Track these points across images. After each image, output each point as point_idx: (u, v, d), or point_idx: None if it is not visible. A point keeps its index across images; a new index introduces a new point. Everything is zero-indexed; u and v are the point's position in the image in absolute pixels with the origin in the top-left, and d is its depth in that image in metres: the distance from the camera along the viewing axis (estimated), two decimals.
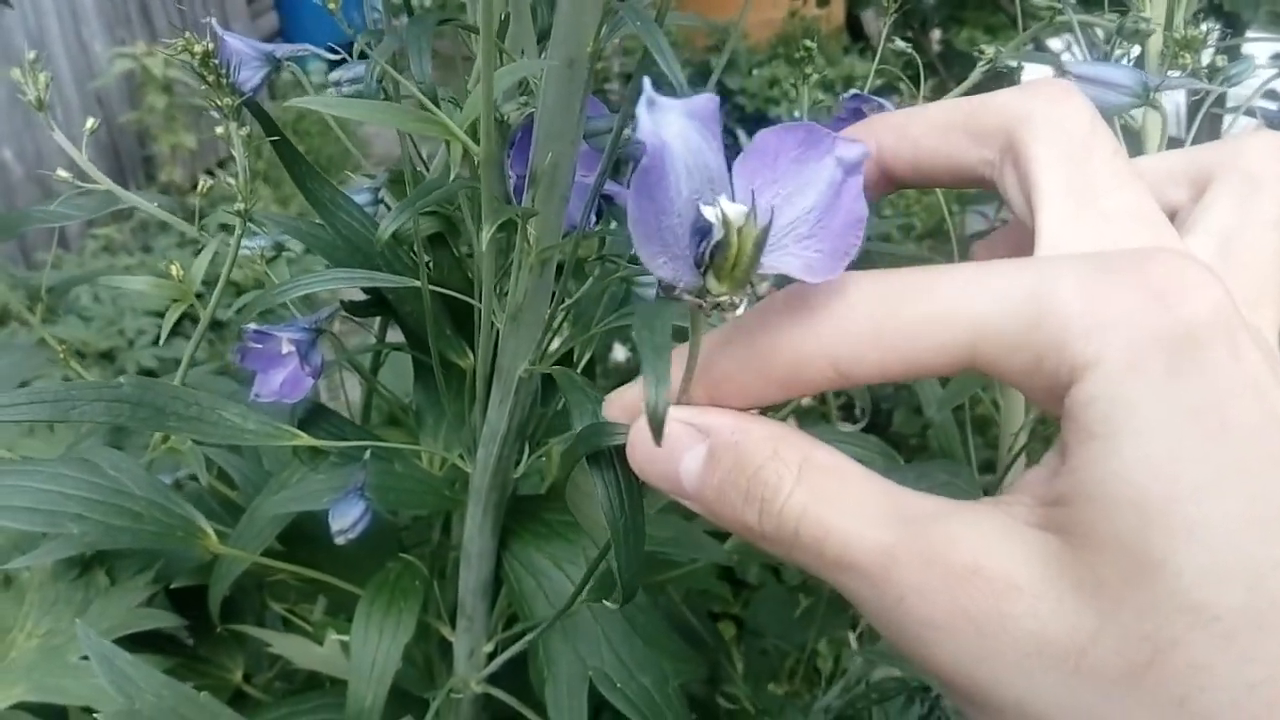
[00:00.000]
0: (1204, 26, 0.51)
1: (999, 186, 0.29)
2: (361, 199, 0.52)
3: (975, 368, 0.24)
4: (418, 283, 0.46)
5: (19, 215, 0.62)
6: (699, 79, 3.20)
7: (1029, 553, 0.22)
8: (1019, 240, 0.29)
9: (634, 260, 0.47)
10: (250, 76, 0.50)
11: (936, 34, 1.93)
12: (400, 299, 0.54)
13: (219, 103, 0.43)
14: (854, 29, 3.74)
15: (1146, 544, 0.20)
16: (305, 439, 0.50)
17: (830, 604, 0.87)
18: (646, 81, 0.23)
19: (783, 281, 0.24)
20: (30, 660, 0.56)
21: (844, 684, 0.64)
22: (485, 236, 0.36)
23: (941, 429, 0.60)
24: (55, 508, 0.49)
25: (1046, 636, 0.21)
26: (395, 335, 0.63)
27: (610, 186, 0.45)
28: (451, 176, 0.38)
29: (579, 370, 0.58)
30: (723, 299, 0.24)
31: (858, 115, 0.52)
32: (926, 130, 0.30)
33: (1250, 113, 0.50)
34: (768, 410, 0.28)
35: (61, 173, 0.49)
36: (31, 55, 0.48)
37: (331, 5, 0.39)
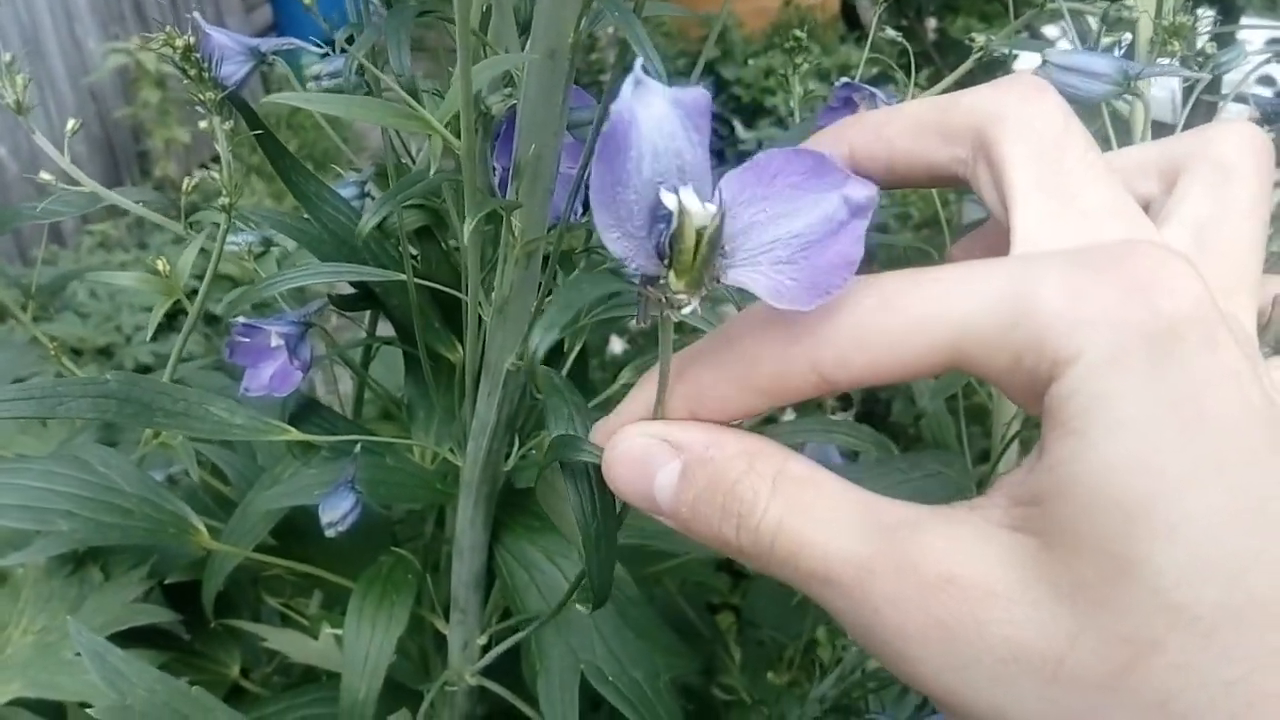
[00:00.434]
0: (1197, 13, 0.50)
1: (973, 185, 0.29)
2: (348, 193, 0.52)
3: (959, 368, 0.24)
4: (404, 276, 0.46)
5: (10, 211, 0.62)
6: (693, 69, 3.19)
7: (1004, 557, 0.22)
8: (995, 239, 0.29)
9: None
10: (234, 71, 0.50)
11: (931, 22, 1.93)
12: (388, 292, 0.53)
13: (201, 97, 0.43)
14: (850, 18, 3.73)
15: (1126, 543, 0.20)
16: (293, 434, 0.50)
17: None
18: (639, 62, 0.23)
19: (749, 298, 0.24)
20: (26, 656, 0.56)
21: (839, 673, 0.64)
22: (468, 229, 0.36)
23: (934, 419, 0.60)
24: (46, 505, 0.49)
25: (1023, 643, 0.21)
26: (386, 329, 0.63)
27: None
28: (433, 170, 0.38)
29: (569, 362, 0.58)
30: (678, 296, 0.23)
31: (849, 104, 0.52)
32: (900, 130, 0.30)
33: (1242, 99, 0.50)
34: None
35: (45, 174, 0.48)
36: (8, 57, 0.47)
37: (308, 1, 0.39)
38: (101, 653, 0.47)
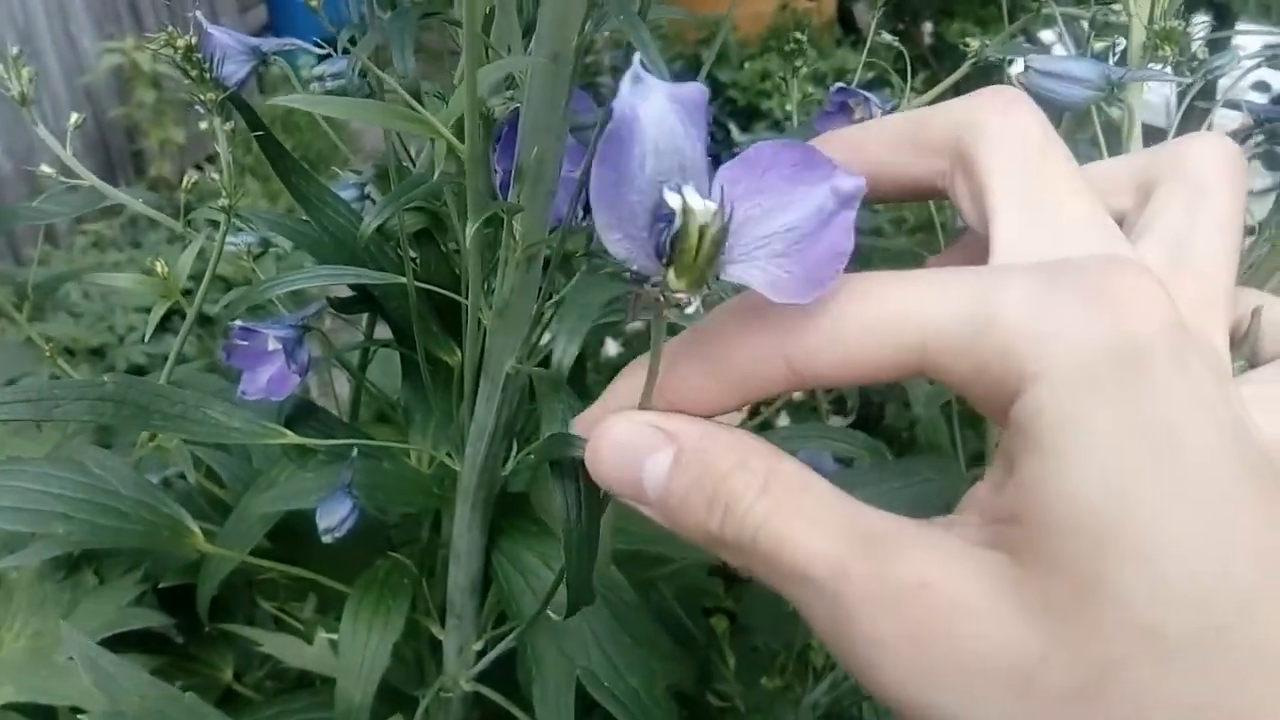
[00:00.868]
0: (1189, 19, 0.50)
1: (951, 197, 0.29)
2: (348, 195, 0.52)
3: (925, 374, 0.24)
4: (404, 280, 0.46)
5: (6, 212, 0.61)
6: (690, 72, 3.19)
7: (977, 571, 0.22)
8: (974, 252, 0.29)
9: None
10: (235, 70, 0.50)
11: (928, 26, 1.93)
12: (387, 296, 0.53)
13: (202, 97, 0.43)
14: (846, 21, 3.74)
15: (1095, 566, 0.20)
16: (291, 437, 0.50)
17: None
18: (637, 58, 0.22)
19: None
20: (18, 661, 0.56)
21: (831, 680, 0.64)
22: (470, 233, 0.36)
23: (928, 424, 0.60)
24: (41, 508, 0.49)
25: (993, 657, 0.21)
26: (384, 331, 0.62)
27: None
28: (436, 172, 0.38)
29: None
30: (680, 295, 0.23)
31: (845, 109, 0.52)
32: (878, 145, 0.30)
33: (1234, 105, 0.50)
34: (758, 410, 0.27)
35: (46, 168, 0.48)
36: (14, 50, 0.47)
37: (313, 2, 0.39)
38: (94, 658, 0.47)
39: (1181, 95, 0.52)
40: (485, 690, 0.56)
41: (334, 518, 0.49)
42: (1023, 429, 0.22)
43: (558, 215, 0.42)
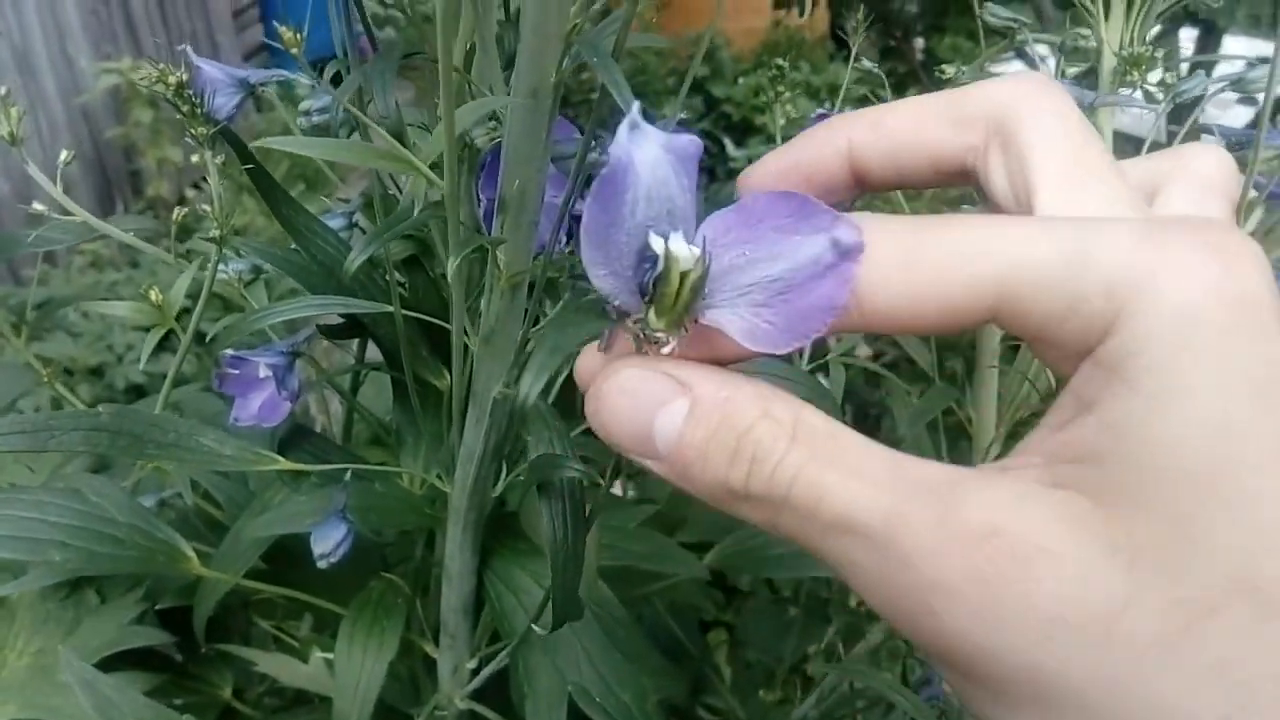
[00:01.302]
0: (1174, 36, 0.51)
1: (981, 174, 0.29)
2: (336, 224, 0.53)
3: (998, 315, 0.23)
4: (392, 308, 0.47)
5: (8, 240, 0.62)
6: (682, 87, 3.20)
7: (1052, 514, 0.21)
8: None
9: None
10: (225, 103, 0.51)
11: (919, 42, 1.95)
12: (376, 322, 0.54)
13: (194, 132, 0.44)
14: (838, 37, 3.75)
15: (1192, 510, 0.20)
16: (283, 463, 0.51)
17: (810, 613, 0.87)
18: (636, 105, 0.23)
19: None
20: (21, 679, 0.57)
21: (818, 694, 0.65)
22: (452, 267, 0.37)
23: (913, 442, 0.61)
24: (38, 535, 0.50)
25: (1072, 602, 0.20)
26: (375, 352, 0.63)
27: (579, 206, 0.46)
28: (418, 205, 0.39)
29: (556, 387, 0.58)
30: (658, 334, 0.24)
31: None
32: (903, 122, 0.29)
33: (1207, 130, 0.51)
34: None
35: (38, 205, 0.49)
36: (3, 90, 0.48)
37: (294, 50, 0.40)
38: (91, 681, 0.48)
39: (1175, 114, 0.53)
40: (479, 708, 0.57)
41: (329, 543, 0.50)
42: (1115, 369, 0.21)
43: (541, 242, 0.43)
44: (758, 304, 0.24)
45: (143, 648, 0.61)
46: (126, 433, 0.44)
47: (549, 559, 0.37)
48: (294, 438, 0.58)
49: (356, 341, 0.64)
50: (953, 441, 0.67)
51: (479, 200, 0.44)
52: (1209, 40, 1.68)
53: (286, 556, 0.62)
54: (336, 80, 0.49)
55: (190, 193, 3.47)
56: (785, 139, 0.70)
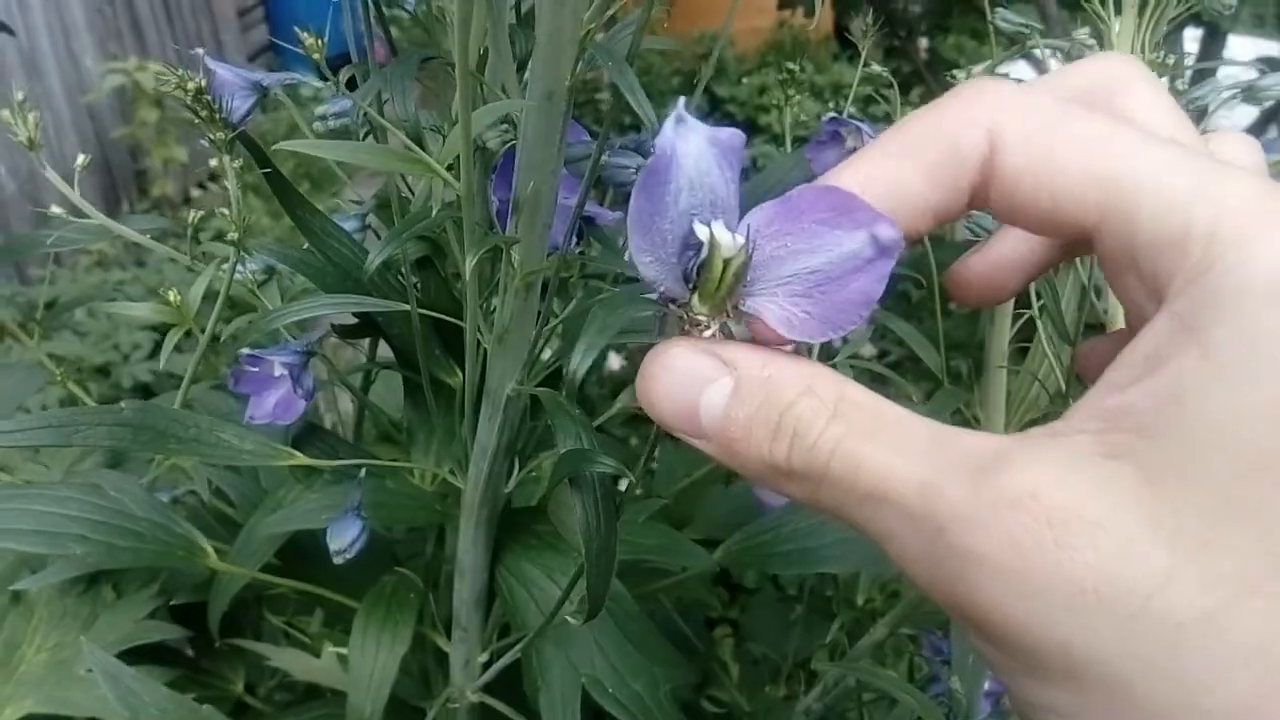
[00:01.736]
0: (1179, 37, 0.52)
1: None
2: (349, 225, 0.54)
3: (1105, 222, 0.23)
4: (408, 307, 0.48)
5: (26, 241, 0.63)
6: (688, 87, 3.21)
7: (1096, 483, 0.21)
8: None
9: (616, 281, 0.48)
10: (239, 106, 0.52)
11: (923, 42, 1.95)
12: (389, 321, 0.55)
13: (212, 137, 0.45)
14: (842, 36, 3.76)
15: (1247, 496, 0.20)
16: (301, 459, 0.52)
17: (814, 610, 0.88)
18: (681, 101, 0.24)
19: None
20: (39, 673, 0.58)
21: (822, 687, 0.65)
22: (468, 266, 0.37)
23: None
24: (59, 530, 0.51)
25: (1109, 574, 0.20)
26: (385, 350, 0.64)
27: (591, 208, 0.47)
28: (435, 205, 0.40)
29: (575, 385, 0.59)
30: (700, 317, 0.25)
31: (836, 138, 0.54)
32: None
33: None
34: None
35: (56, 209, 0.50)
36: (20, 95, 0.49)
37: (315, 55, 0.40)
38: (115, 674, 0.49)
39: None
40: (492, 701, 0.58)
41: (344, 540, 0.51)
42: (1194, 329, 0.21)
43: (554, 242, 0.44)
44: (796, 294, 0.25)
45: (156, 643, 0.62)
46: (149, 428, 0.45)
47: (584, 550, 0.38)
48: (307, 435, 0.59)
49: (367, 340, 0.65)
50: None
51: (493, 201, 0.45)
52: (1213, 40, 1.68)
53: (298, 552, 0.62)
54: (351, 83, 0.50)
55: (196, 192, 3.48)
56: (793, 140, 0.70)
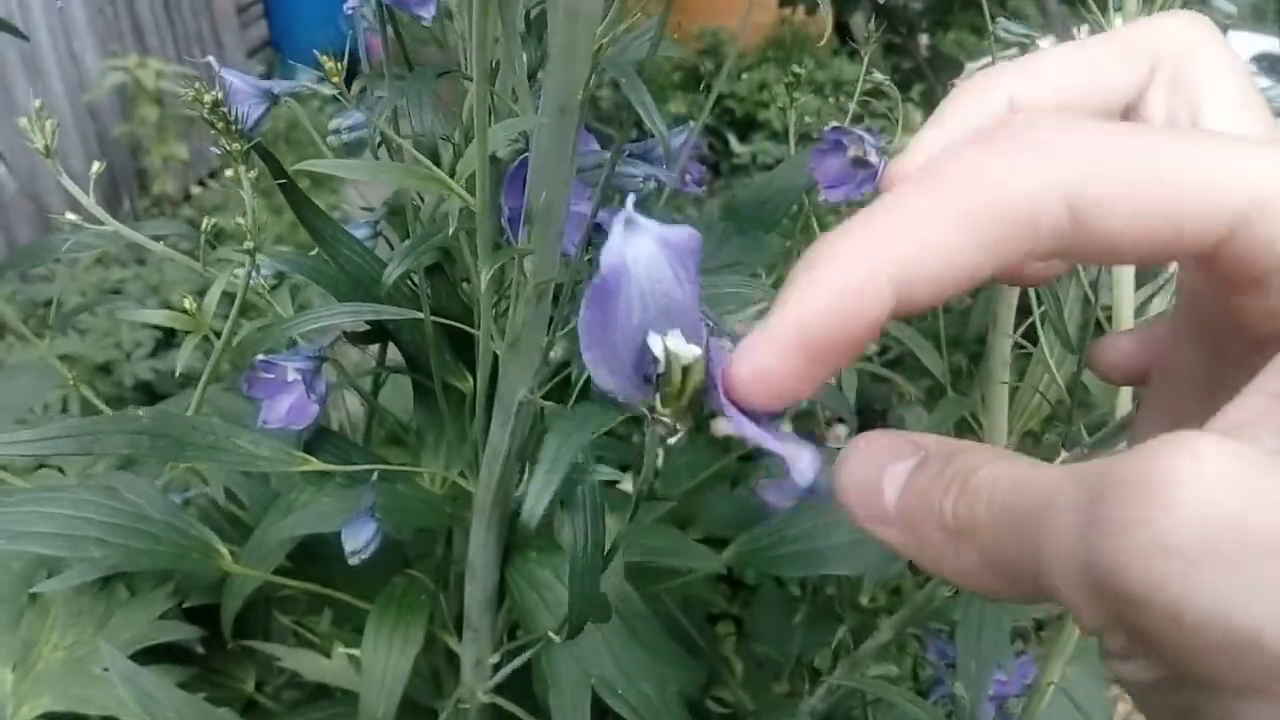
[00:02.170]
0: None
1: (1142, 109, 0.27)
2: (361, 233, 0.55)
3: (1225, 248, 0.21)
4: (420, 315, 0.48)
5: (37, 247, 0.64)
6: (690, 82, 3.21)
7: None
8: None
9: None
10: (252, 114, 0.53)
11: (924, 39, 1.95)
12: (400, 327, 0.56)
13: (228, 148, 0.45)
14: (843, 31, 3.76)
15: None
16: (316, 464, 0.52)
17: (819, 609, 0.89)
18: (630, 199, 0.23)
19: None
20: (56, 672, 0.59)
21: (826, 687, 0.66)
22: (484, 279, 0.38)
23: None
24: (77, 533, 0.51)
25: None
26: (394, 354, 0.65)
27: (603, 215, 0.48)
28: (446, 213, 0.40)
29: (578, 390, 0.60)
30: (665, 421, 0.24)
31: (839, 147, 0.55)
32: (1068, 66, 0.28)
33: None
34: None
35: (70, 215, 0.51)
36: (37, 103, 0.50)
37: (334, 78, 0.41)
38: (132, 675, 0.50)
39: None
40: (502, 701, 0.59)
41: (359, 540, 0.51)
42: None
43: (566, 249, 0.45)
44: None
45: (168, 643, 0.63)
46: (167, 435, 0.46)
47: (569, 570, 0.38)
48: (319, 439, 0.60)
49: (377, 345, 0.66)
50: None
51: (503, 210, 0.46)
52: None
53: (310, 555, 0.63)
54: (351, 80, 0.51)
55: (196, 189, 3.48)
56: (796, 138, 0.71)
